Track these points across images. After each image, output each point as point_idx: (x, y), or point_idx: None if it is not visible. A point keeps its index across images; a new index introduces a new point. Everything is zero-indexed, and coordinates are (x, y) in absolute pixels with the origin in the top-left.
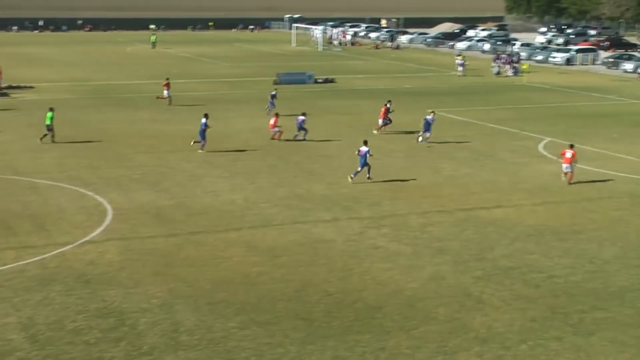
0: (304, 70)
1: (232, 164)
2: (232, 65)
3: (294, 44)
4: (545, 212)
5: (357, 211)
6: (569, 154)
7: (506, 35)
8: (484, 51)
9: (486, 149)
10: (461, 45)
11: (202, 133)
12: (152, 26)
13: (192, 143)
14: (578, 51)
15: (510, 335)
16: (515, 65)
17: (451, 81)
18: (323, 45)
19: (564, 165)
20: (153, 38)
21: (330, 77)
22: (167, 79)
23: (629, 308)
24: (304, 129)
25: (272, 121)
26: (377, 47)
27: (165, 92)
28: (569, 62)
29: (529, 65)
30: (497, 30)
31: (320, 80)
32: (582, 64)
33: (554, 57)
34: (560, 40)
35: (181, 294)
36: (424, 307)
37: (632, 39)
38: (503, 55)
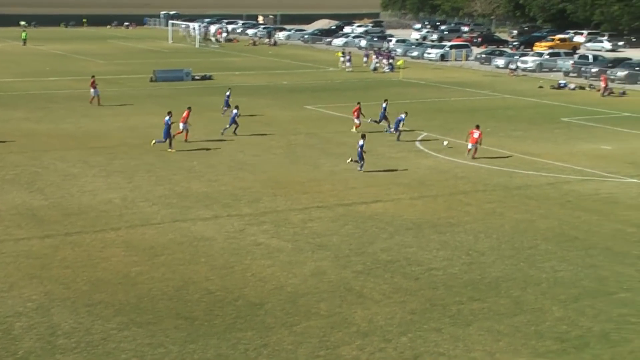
0: (181, 67)
1: (109, 163)
2: (107, 63)
3: (170, 41)
4: (423, 205)
5: (237, 208)
6: (476, 134)
7: (382, 32)
8: (360, 47)
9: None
10: (338, 41)
11: (167, 132)
12: (23, 23)
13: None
14: (452, 47)
15: (390, 328)
16: (390, 61)
17: (329, 77)
18: (200, 42)
19: (470, 145)
20: (24, 35)
21: (208, 74)
22: (93, 76)
23: (504, 298)
24: (236, 123)
25: (184, 114)
26: (254, 44)
27: (92, 91)
28: (443, 58)
29: (404, 61)
30: (373, 26)
31: (197, 77)
32: (455, 60)
33: (428, 53)
34: (435, 36)
35: (58, 297)
36: (306, 303)
37: (503, 36)
38: (372, 51)
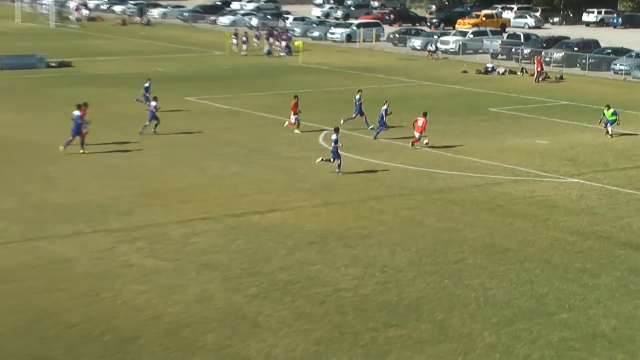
0: (32, 52)
1: None
2: None
3: (18, 20)
4: (329, 214)
5: (104, 222)
6: (420, 122)
7: (277, 8)
8: (251, 26)
9: (257, 142)
10: (224, 20)
11: (77, 129)
12: None
13: (62, 148)
14: (360, 26)
15: None
16: (287, 43)
17: (214, 63)
18: (56, 22)
19: (416, 134)
20: None
21: (67, 60)
22: None
23: (426, 322)
24: (156, 118)
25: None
26: (123, 24)
27: None
28: (349, 38)
29: (303, 42)
30: (266, 2)
31: (53, 64)
32: (364, 41)
33: (332, 34)
34: (339, 13)
35: None
36: (189, 335)
37: (420, 12)
38: (265, 31)
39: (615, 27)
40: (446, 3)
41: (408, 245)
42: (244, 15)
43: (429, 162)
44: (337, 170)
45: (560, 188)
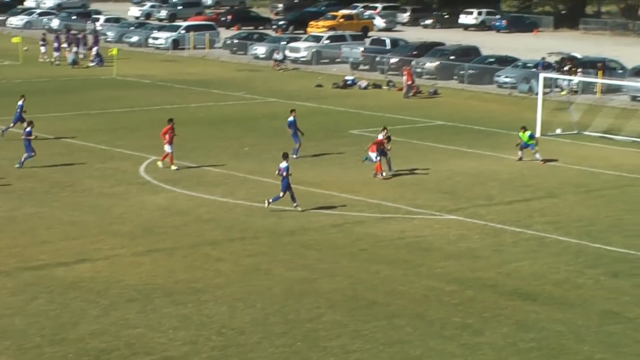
0: None
1: None
2: None
3: None
4: (153, 264)
5: None
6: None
7: (84, 7)
8: (52, 29)
9: (62, 176)
10: (16, 20)
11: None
12: None
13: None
14: (189, 29)
15: None
16: (98, 50)
17: (3, 75)
18: None
19: (371, 154)
20: None
21: None
22: None
23: None
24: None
25: None
26: None
27: None
28: (177, 45)
29: (118, 50)
30: None
31: None
32: (196, 48)
33: (155, 39)
34: (164, 13)
35: None
36: None
37: (264, 12)
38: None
39: (498, 30)
40: (295, 1)
41: (252, 301)
42: (41, 15)
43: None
44: (295, 205)
45: (435, 227)
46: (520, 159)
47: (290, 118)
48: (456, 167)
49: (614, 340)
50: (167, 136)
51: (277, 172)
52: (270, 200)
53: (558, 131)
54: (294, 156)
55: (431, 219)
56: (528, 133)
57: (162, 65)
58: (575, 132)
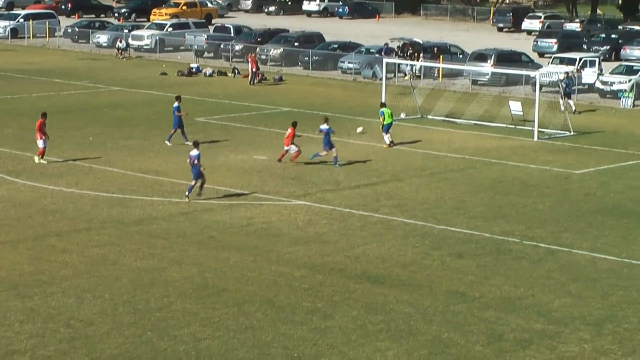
0: None
1: None
2: None
3: None
4: None
5: None
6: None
7: None
8: None
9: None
10: None
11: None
12: None
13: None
14: (28, 17)
15: None
16: None
17: None
18: None
19: (285, 147)
20: None
21: None
22: None
23: None
24: None
25: None
26: None
27: None
28: (15, 33)
29: None
30: None
31: None
32: (35, 37)
33: None
34: (1, 1)
35: None
36: None
37: (105, 0)
38: None
39: (341, 17)
40: None
41: (100, 292)
42: None
43: (123, 186)
44: (196, 192)
45: (283, 212)
46: (392, 142)
47: (175, 104)
48: (303, 153)
49: (460, 319)
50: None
51: (187, 160)
52: (187, 194)
53: (402, 115)
54: (168, 142)
55: (279, 205)
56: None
57: (1, 54)
58: (418, 116)
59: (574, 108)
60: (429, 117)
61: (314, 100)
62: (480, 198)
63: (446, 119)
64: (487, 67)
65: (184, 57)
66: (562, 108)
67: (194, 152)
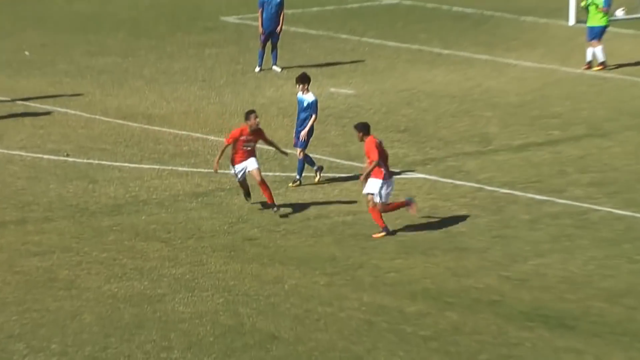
0: None
1: None
2: None
3: None
4: None
5: None
6: None
7: None
8: None
9: None
10: None
11: None
12: None
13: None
14: None
15: None
16: None
17: None
18: None
19: None
20: None
21: None
22: None
23: None
24: None
25: None
26: None
27: None
28: None
29: None
30: None
31: None
32: None
33: None
34: None
35: None
36: None
37: None
38: None
39: None
40: None
41: (41, 340)
42: None
43: (87, 143)
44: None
45: None
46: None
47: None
48: None
49: None
50: None
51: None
52: (297, 180)
53: (620, 13)
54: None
55: None
56: None
57: None
58: None
59: None
60: None
61: None
62: None
63: None
64: None
65: None
66: None
67: (309, 96)
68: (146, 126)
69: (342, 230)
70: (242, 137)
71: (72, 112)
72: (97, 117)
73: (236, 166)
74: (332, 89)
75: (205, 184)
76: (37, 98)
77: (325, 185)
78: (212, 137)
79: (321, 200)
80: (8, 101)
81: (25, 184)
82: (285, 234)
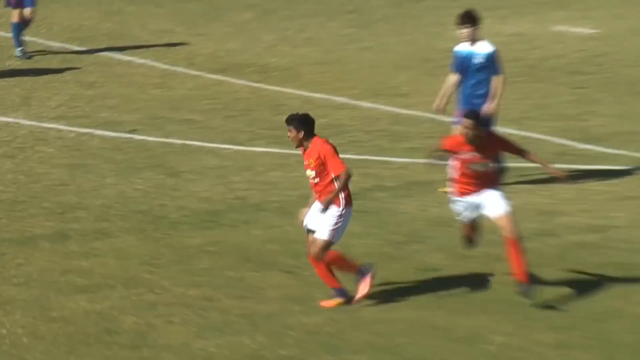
0: None
1: None
2: None
3: None
4: None
5: None
6: None
7: None
8: None
9: None
10: None
11: None
12: None
13: None
14: None
15: None
16: None
17: None
18: None
19: None
20: None
21: None
22: None
23: None
24: None
25: None
26: None
27: None
28: None
29: None
30: None
31: None
32: None
33: None
34: None
35: None
36: None
37: None
38: None
39: None
40: None
41: None
42: None
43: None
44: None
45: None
46: None
47: None
48: None
49: None
50: None
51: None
52: None
53: None
54: None
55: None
56: None
57: None
58: None
59: None
60: None
61: None
62: None
63: None
64: None
65: None
66: None
67: (482, 47)
68: (258, 84)
69: (579, 257)
70: (462, 154)
71: (140, 61)
72: (180, 69)
73: (460, 199)
74: (559, 27)
75: (355, 178)
76: (84, 38)
77: (548, 182)
78: (365, 104)
79: (546, 208)
80: (40, 45)
81: (66, 176)
82: (488, 261)
